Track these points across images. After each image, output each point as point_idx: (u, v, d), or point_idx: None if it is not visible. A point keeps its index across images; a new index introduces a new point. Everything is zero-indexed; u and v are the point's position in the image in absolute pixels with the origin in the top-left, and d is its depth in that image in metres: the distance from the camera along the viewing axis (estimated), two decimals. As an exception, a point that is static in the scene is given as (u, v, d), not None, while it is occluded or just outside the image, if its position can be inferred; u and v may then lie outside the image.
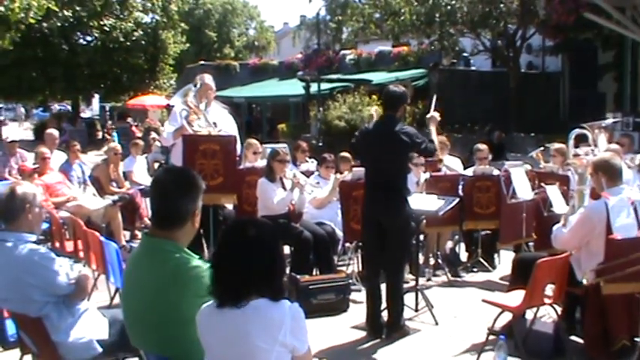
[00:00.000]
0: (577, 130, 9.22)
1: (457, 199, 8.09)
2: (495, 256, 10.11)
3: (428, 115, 7.49)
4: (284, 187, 8.67)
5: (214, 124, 8.07)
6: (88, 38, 37.09)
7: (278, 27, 63.96)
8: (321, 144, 20.86)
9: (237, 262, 3.18)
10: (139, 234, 11.32)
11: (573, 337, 6.61)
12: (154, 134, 18.47)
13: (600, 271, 5.97)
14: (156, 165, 15.27)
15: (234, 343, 3.16)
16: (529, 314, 6.71)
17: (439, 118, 7.53)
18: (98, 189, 11.08)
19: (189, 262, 3.45)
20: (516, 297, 6.14)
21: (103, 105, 47.98)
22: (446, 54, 25.12)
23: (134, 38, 36.28)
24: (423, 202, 7.69)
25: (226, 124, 8.33)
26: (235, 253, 3.20)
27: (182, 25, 41.43)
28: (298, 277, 7.74)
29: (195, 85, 8.20)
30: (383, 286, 7.10)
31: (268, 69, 34.55)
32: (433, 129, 7.31)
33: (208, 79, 8.33)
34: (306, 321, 3.30)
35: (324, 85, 24.81)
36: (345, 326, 7.30)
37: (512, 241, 8.67)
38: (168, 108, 21.12)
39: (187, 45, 42.62)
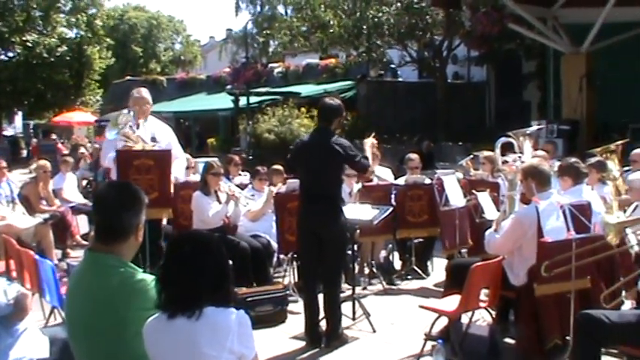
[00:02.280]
0: (503, 139, 9.44)
1: (391, 208, 8.20)
2: (429, 263, 10.27)
3: (365, 140, 7.58)
4: (219, 201, 8.67)
5: (153, 138, 8.01)
6: (10, 54, 36.41)
7: (204, 41, 63.64)
8: (251, 157, 20.83)
9: (188, 272, 3.21)
10: (70, 252, 11.16)
11: (507, 339, 6.78)
12: (82, 150, 18.21)
13: (533, 274, 6.15)
14: (84, 182, 15.08)
15: (184, 352, 3.18)
16: (464, 318, 6.85)
17: (376, 143, 7.64)
18: (27, 207, 10.85)
19: (134, 275, 3.45)
20: (452, 302, 6.27)
21: (26, 122, 47.04)
22: (373, 65, 25.37)
23: (58, 54, 35.75)
24: (357, 211, 7.77)
25: (166, 138, 8.25)
26: (185, 263, 3.24)
27: (107, 40, 41.00)
28: (236, 289, 7.73)
29: (128, 112, 8.08)
30: (320, 296, 7.16)
31: (196, 83, 34.40)
32: (368, 150, 7.41)
33: (145, 92, 8.24)
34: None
35: (253, 99, 24.81)
36: (284, 337, 7.33)
37: (454, 248, 8.80)
38: (96, 125, 20.91)
39: (113, 60, 42.16)
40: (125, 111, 8.10)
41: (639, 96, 17.04)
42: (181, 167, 8.58)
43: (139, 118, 8.03)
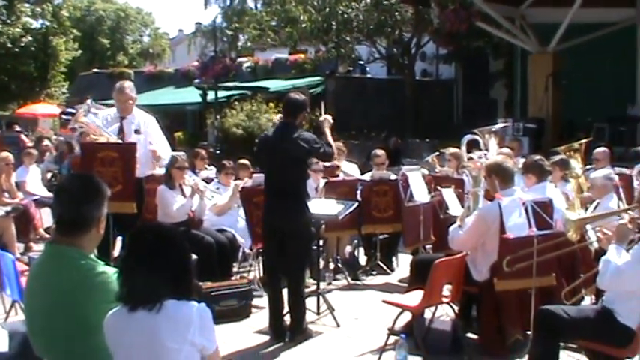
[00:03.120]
0: (469, 136, 9.54)
1: (356, 204, 8.23)
2: (394, 258, 10.32)
3: (321, 118, 7.55)
4: (183, 195, 8.64)
5: (136, 131, 7.95)
6: (-28, 44, 35.85)
7: (173, 34, 63.19)
8: (218, 152, 20.76)
9: (150, 265, 3.21)
10: (33, 245, 11.05)
11: (470, 334, 6.84)
12: (47, 142, 18.02)
13: (496, 269, 6.23)
14: (49, 175, 14.93)
15: (145, 345, 3.18)
16: (427, 313, 6.90)
17: (332, 121, 7.60)
18: (-11, 200, 10.75)
19: (95, 268, 3.43)
20: (415, 297, 6.30)
21: (-11, 114, 46.41)
22: (342, 61, 25.41)
23: (23, 44, 35.19)
24: (322, 207, 7.78)
25: (150, 130, 8.16)
26: (147, 255, 3.23)
27: (74, 31, 40.51)
28: (200, 283, 7.71)
29: (91, 101, 8.00)
30: (284, 291, 7.18)
31: (164, 77, 34.09)
32: (328, 131, 7.39)
33: (129, 89, 8.13)
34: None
35: (221, 93, 24.69)
36: (248, 331, 7.33)
37: (415, 243, 8.84)
38: (61, 117, 20.69)
39: (79, 52, 41.70)
40: (89, 101, 8.05)
41: (604, 96, 17.28)
42: (166, 153, 8.47)
43: (124, 115, 7.99)
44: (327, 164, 9.41)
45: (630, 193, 8.42)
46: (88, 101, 8.10)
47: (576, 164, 8.70)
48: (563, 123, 17.59)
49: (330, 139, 7.31)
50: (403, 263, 10.20)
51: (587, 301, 6.94)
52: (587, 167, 9.23)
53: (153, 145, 8.10)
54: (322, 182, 9.61)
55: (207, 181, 9.82)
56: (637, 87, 18.41)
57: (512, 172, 6.65)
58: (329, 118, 7.52)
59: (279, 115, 9.31)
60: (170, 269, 3.25)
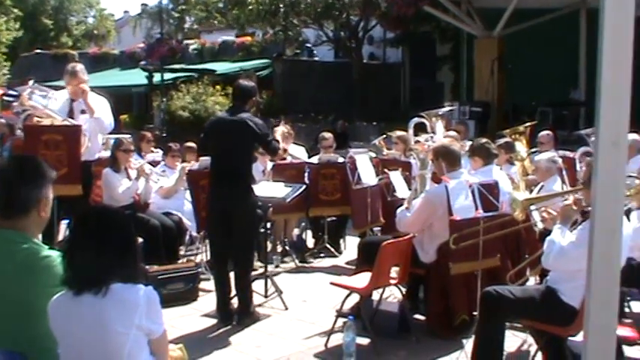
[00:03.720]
0: (416, 119, 9.60)
1: (304, 186, 8.22)
2: (341, 241, 10.36)
3: (276, 128, 7.65)
4: (129, 177, 8.54)
5: (83, 111, 7.79)
6: None
7: (118, 15, 62.17)
8: (164, 134, 20.55)
9: (95, 248, 3.16)
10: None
11: (417, 315, 6.90)
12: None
13: (443, 251, 6.29)
14: (-9, 158, 14.59)
15: (92, 329, 3.13)
16: (375, 295, 6.93)
17: (287, 132, 7.72)
18: None
19: (39, 251, 3.35)
20: (363, 279, 6.33)
21: None
22: (290, 44, 25.33)
23: (-39, 24, 34.38)
24: (270, 189, 7.77)
25: (99, 110, 8.00)
26: (91, 238, 3.18)
27: (15, 10, 39.62)
28: (147, 267, 7.64)
29: (33, 83, 7.84)
30: (232, 274, 7.16)
31: (109, 58, 33.62)
32: (278, 136, 7.47)
33: (80, 72, 7.96)
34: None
35: (168, 75, 24.42)
36: (196, 315, 7.30)
37: (364, 225, 8.86)
38: (3, 99, 20.25)
39: (21, 32, 40.81)
40: (31, 82, 7.88)
41: (548, 80, 17.53)
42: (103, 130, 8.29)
43: (74, 97, 7.83)
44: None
45: (574, 176, 8.58)
46: (31, 82, 7.93)
47: (521, 147, 8.82)
48: (508, 107, 17.83)
49: (278, 137, 7.39)
50: (350, 246, 10.25)
51: (532, 282, 7.05)
52: (532, 150, 9.35)
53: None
54: (270, 165, 9.58)
55: (154, 163, 9.70)
56: (579, 71, 18.73)
57: (459, 154, 6.71)
58: (284, 129, 7.62)
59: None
60: (116, 252, 3.20)
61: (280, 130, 7.63)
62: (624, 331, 6.17)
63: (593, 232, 1.71)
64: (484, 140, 7.58)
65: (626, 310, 6.66)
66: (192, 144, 9.82)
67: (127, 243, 3.30)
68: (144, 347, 3.26)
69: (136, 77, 27.01)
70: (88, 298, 3.13)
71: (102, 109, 8.02)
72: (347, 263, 9.57)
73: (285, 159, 10.02)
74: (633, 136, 8.76)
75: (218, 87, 21.90)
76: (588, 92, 18.22)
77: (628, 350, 5.98)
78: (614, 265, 1.71)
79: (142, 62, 26.66)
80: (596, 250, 1.69)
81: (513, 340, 5.88)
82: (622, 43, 1.62)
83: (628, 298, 6.45)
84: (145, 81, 25.31)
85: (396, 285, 6.66)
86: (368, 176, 8.76)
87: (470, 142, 8.37)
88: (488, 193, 6.18)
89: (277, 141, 7.28)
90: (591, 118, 15.26)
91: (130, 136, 9.65)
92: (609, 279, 1.72)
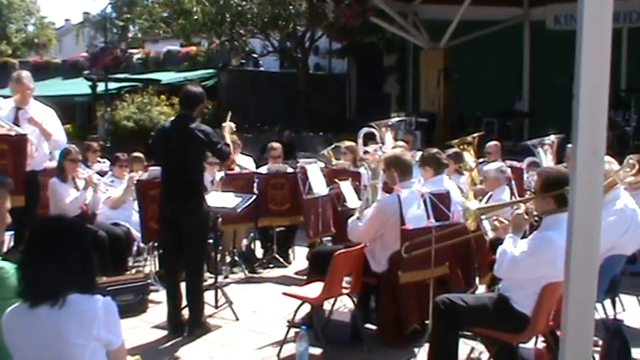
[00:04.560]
0: (365, 129, 9.66)
1: (254, 196, 8.19)
2: (290, 251, 10.35)
3: (223, 124, 7.55)
4: (76, 187, 8.42)
5: (29, 120, 7.63)
6: None
7: (59, 23, 61.24)
8: (109, 145, 20.31)
9: (51, 259, 3.09)
10: None
11: (369, 325, 6.91)
12: None
13: (394, 261, 6.33)
14: None
15: (48, 342, 3.06)
16: (326, 305, 6.93)
17: (234, 128, 7.62)
18: None
19: (-11, 263, 3.29)
20: (315, 289, 6.33)
21: None
22: (235, 54, 25.25)
23: None
24: (220, 199, 7.72)
25: (47, 121, 7.84)
26: (48, 249, 3.12)
27: (-49, 18, 38.86)
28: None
29: None
30: (182, 285, 7.09)
31: (51, 67, 33.09)
32: (227, 135, 7.38)
33: (26, 78, 7.81)
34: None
35: (112, 85, 24.17)
36: (146, 326, 7.21)
37: (316, 235, 8.84)
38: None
39: (-42, 40, 40.03)
40: None
41: (493, 91, 17.80)
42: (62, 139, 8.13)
43: (20, 105, 7.68)
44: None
45: (521, 186, 8.71)
46: None
47: (469, 157, 8.92)
48: (454, 117, 18.01)
49: (228, 141, 7.28)
50: (299, 256, 10.26)
51: (482, 290, 7.14)
52: (480, 160, 9.47)
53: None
54: (218, 175, 9.53)
55: (101, 174, 9.57)
56: (523, 83, 19.05)
57: (411, 164, 6.76)
58: (231, 124, 7.53)
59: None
60: (73, 262, 3.15)
61: (228, 127, 7.50)
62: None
63: (571, 237, 1.74)
64: (435, 150, 7.64)
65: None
66: (139, 154, 9.72)
67: (83, 253, 3.24)
68: (102, 359, 3.21)
69: (79, 87, 26.67)
70: (44, 310, 3.06)
71: (51, 122, 7.89)
72: (296, 273, 9.57)
73: (233, 169, 9.98)
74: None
75: (163, 97, 21.77)
76: (532, 103, 18.54)
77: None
78: (592, 268, 1.74)
79: (86, 71, 26.33)
80: (574, 255, 1.72)
81: (462, 347, 5.91)
82: (600, 54, 1.65)
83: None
84: (88, 90, 25.01)
85: (347, 295, 6.67)
86: (319, 186, 8.77)
87: (420, 152, 8.43)
88: (439, 203, 6.24)
89: (227, 144, 7.19)
90: (535, 128, 15.65)
91: (74, 146, 9.50)
92: (587, 284, 1.75)
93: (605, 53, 1.67)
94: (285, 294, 6.66)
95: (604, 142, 1.69)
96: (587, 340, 1.85)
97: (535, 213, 5.22)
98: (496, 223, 5.39)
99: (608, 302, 6.50)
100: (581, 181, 1.69)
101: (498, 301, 5.21)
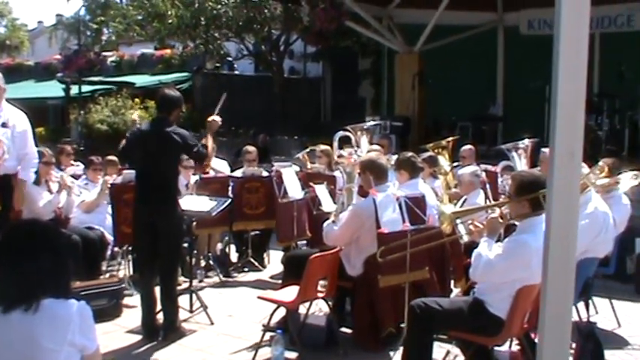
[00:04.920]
0: (341, 133, 9.65)
1: (229, 200, 8.17)
2: (264, 255, 10.33)
3: (209, 119, 7.52)
4: (50, 191, 8.35)
5: (4, 124, 7.51)
6: None
7: (32, 25, 60.73)
8: (82, 148, 20.17)
9: (25, 263, 3.05)
10: None
11: (344, 329, 6.91)
12: None
13: (370, 264, 6.34)
14: None
15: (21, 347, 3.01)
16: (302, 309, 6.92)
17: (220, 123, 7.58)
18: None
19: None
20: (291, 293, 6.32)
21: None
22: (210, 58, 25.19)
23: None
24: (195, 203, 7.70)
25: (20, 125, 7.73)
26: (21, 254, 3.07)
27: None
28: (68, 283, 7.45)
29: None
30: (157, 289, 7.06)
31: (23, 69, 32.82)
32: (210, 137, 7.35)
33: None
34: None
35: (85, 88, 24.02)
36: (120, 331, 7.16)
37: (289, 239, 8.82)
38: None
39: None
40: None
41: (467, 95, 17.88)
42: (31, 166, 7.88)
43: None
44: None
45: (496, 189, 8.75)
46: None
47: (444, 161, 8.94)
48: (429, 121, 18.06)
49: (210, 142, 7.25)
50: (274, 260, 10.26)
51: (456, 292, 7.17)
52: (455, 164, 9.50)
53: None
54: (193, 178, 9.49)
55: (75, 177, 9.49)
56: (497, 87, 19.16)
57: (387, 168, 6.78)
58: (217, 119, 7.50)
59: (136, 113, 9.08)
60: (47, 266, 3.11)
61: (214, 123, 7.47)
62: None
63: (548, 238, 1.75)
64: (410, 154, 7.66)
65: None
66: (113, 157, 9.65)
67: (57, 257, 3.20)
68: None
69: (52, 89, 26.49)
70: (17, 316, 3.02)
71: (21, 123, 7.76)
72: (271, 277, 9.57)
73: (208, 173, 9.95)
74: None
75: (137, 100, 21.64)
76: (506, 107, 18.65)
77: None
78: (568, 269, 1.74)
79: (59, 74, 26.14)
80: (551, 255, 1.72)
81: (438, 350, 5.93)
82: (577, 58, 1.66)
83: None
84: (61, 93, 24.85)
85: (323, 298, 6.67)
86: (294, 190, 8.75)
87: (395, 156, 8.44)
88: (415, 207, 6.26)
89: (205, 146, 7.16)
90: (509, 132, 15.75)
91: (47, 149, 9.42)
92: (564, 285, 1.76)
93: (581, 57, 1.69)
94: (260, 298, 6.65)
95: (581, 145, 1.71)
96: (565, 341, 1.86)
97: (510, 217, 5.24)
98: (471, 227, 5.42)
99: (581, 305, 6.54)
100: (559, 185, 1.70)
101: (473, 304, 5.24)
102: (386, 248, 5.76)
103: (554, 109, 1.73)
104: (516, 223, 5.29)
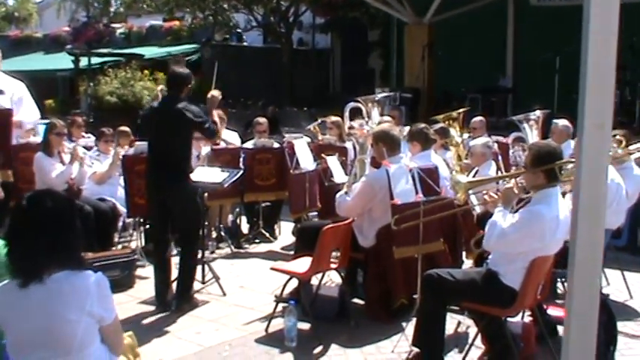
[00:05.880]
0: (352, 104, 9.63)
1: (241, 171, 8.17)
2: (276, 227, 10.35)
3: (209, 95, 7.54)
4: (62, 162, 8.36)
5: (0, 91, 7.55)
6: None
7: (40, -3, 60.57)
8: (92, 120, 20.13)
9: (38, 236, 3.07)
10: None
11: (356, 300, 6.93)
12: None
13: (382, 235, 6.35)
14: None
15: (40, 319, 3.04)
16: (314, 280, 6.94)
17: (220, 97, 7.60)
18: None
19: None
20: (304, 264, 6.34)
21: None
22: (219, 29, 25.08)
23: None
24: (207, 174, 7.70)
25: (17, 93, 7.75)
26: (35, 226, 3.09)
27: None
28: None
29: None
30: (172, 260, 7.16)
31: (32, 42, 32.70)
32: (214, 112, 7.42)
33: None
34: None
35: (95, 60, 23.92)
36: (133, 302, 7.21)
37: (301, 211, 8.83)
38: None
39: None
40: None
41: (477, 67, 17.76)
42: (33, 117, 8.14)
43: None
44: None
45: (507, 161, 8.74)
46: None
47: (455, 133, 8.92)
48: (438, 93, 18.00)
49: (216, 117, 7.33)
50: (285, 231, 10.29)
51: (468, 264, 7.18)
52: (465, 136, 9.48)
53: (17, 115, 7.79)
54: (204, 150, 9.48)
55: (87, 148, 9.49)
56: (507, 59, 19.04)
57: (399, 139, 6.76)
58: (217, 94, 7.52)
59: (161, 86, 9.07)
60: (60, 239, 3.12)
61: (214, 98, 7.54)
62: (557, 312, 6.33)
63: (577, 211, 1.74)
64: (422, 125, 7.64)
65: (559, 291, 6.84)
66: (125, 128, 9.66)
67: (71, 229, 3.21)
68: (95, 336, 3.20)
69: (61, 61, 26.39)
70: (35, 287, 3.04)
71: (22, 97, 7.81)
72: (282, 248, 9.60)
73: (219, 144, 9.94)
74: (563, 122, 8.97)
75: (146, 72, 21.56)
76: (515, 79, 18.54)
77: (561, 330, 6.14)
78: (597, 243, 1.74)
79: (68, 46, 26.08)
80: (580, 228, 1.72)
81: (450, 321, 5.94)
82: (608, 28, 1.64)
83: (563, 279, 6.60)
84: (70, 65, 24.74)
85: (336, 269, 6.69)
86: (306, 161, 8.75)
87: (407, 128, 8.43)
88: (428, 178, 6.25)
89: (215, 122, 7.20)
90: (518, 104, 15.68)
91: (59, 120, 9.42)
92: (593, 256, 1.75)
93: (612, 25, 1.67)
94: (273, 269, 6.66)
95: (611, 116, 1.69)
96: (593, 311, 1.86)
97: (526, 187, 5.23)
98: (486, 197, 5.41)
99: (593, 276, 6.52)
100: (588, 156, 1.69)
101: (487, 275, 5.24)
102: (400, 216, 5.75)
103: (583, 81, 1.71)
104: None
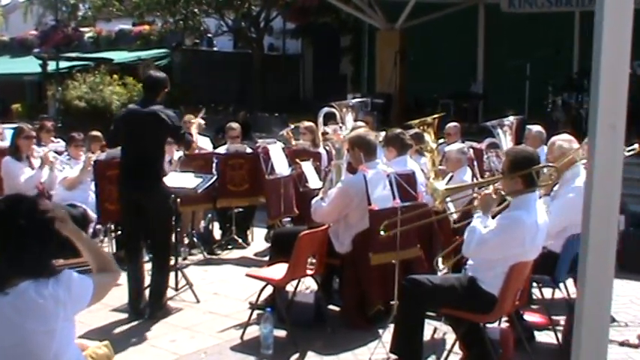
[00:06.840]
0: (326, 109, 9.59)
1: (215, 177, 8.10)
2: (248, 232, 10.28)
3: (192, 120, 7.54)
4: (32, 166, 8.23)
5: None
6: None
7: (5, 0, 59.91)
8: (60, 125, 19.90)
9: (7, 244, 2.94)
10: None
11: (332, 306, 6.88)
12: None
13: (358, 242, 6.30)
14: None
15: (7, 333, 2.90)
16: (289, 287, 6.88)
17: (203, 125, 7.64)
18: None
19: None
20: (279, 270, 6.27)
21: None
22: (189, 34, 24.97)
23: None
24: (180, 180, 7.62)
25: None
26: (6, 234, 2.96)
27: None
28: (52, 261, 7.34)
29: None
30: (143, 267, 7.03)
31: (-3, 45, 32.42)
32: (194, 129, 7.60)
33: None
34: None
35: (63, 64, 23.70)
36: (105, 310, 7.04)
37: (279, 216, 8.75)
38: None
39: None
40: None
41: (448, 73, 17.87)
42: None
43: None
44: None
45: (482, 166, 8.74)
46: None
47: (429, 138, 8.90)
48: (410, 98, 18.06)
49: (194, 133, 7.46)
50: (258, 237, 10.21)
51: (444, 271, 7.14)
52: (440, 141, 9.47)
53: None
54: (177, 154, 9.39)
55: (58, 153, 9.35)
56: (478, 65, 19.16)
57: (376, 145, 6.72)
58: (201, 121, 7.55)
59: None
60: (29, 248, 2.99)
61: (197, 123, 7.55)
62: (534, 317, 6.33)
63: (589, 215, 1.71)
64: (398, 131, 7.62)
65: (535, 297, 6.83)
66: (96, 133, 9.51)
67: (43, 235, 3.09)
68: (71, 337, 3.10)
69: (28, 65, 26.13)
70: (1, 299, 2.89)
71: None
72: (255, 255, 9.54)
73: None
74: (537, 127, 9.01)
75: (115, 76, 21.39)
76: (486, 85, 18.66)
77: (538, 335, 6.14)
78: (609, 247, 1.71)
79: (36, 50, 25.81)
80: (592, 233, 1.68)
81: (426, 328, 5.90)
82: (621, 25, 1.61)
83: (539, 285, 6.59)
84: (38, 69, 24.51)
85: (312, 276, 6.64)
86: (281, 166, 8.69)
87: (383, 133, 8.40)
88: (405, 183, 6.22)
89: (190, 134, 7.18)
90: (489, 110, 15.75)
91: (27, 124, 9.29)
92: (605, 260, 1.72)
93: (626, 24, 1.63)
94: (248, 275, 6.57)
95: (624, 117, 1.67)
96: (604, 319, 1.82)
97: (503, 193, 5.22)
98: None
99: (570, 281, 6.54)
100: (600, 158, 1.66)
101: (466, 281, 5.22)
102: (389, 223, 5.69)
103: (595, 82, 1.68)
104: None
